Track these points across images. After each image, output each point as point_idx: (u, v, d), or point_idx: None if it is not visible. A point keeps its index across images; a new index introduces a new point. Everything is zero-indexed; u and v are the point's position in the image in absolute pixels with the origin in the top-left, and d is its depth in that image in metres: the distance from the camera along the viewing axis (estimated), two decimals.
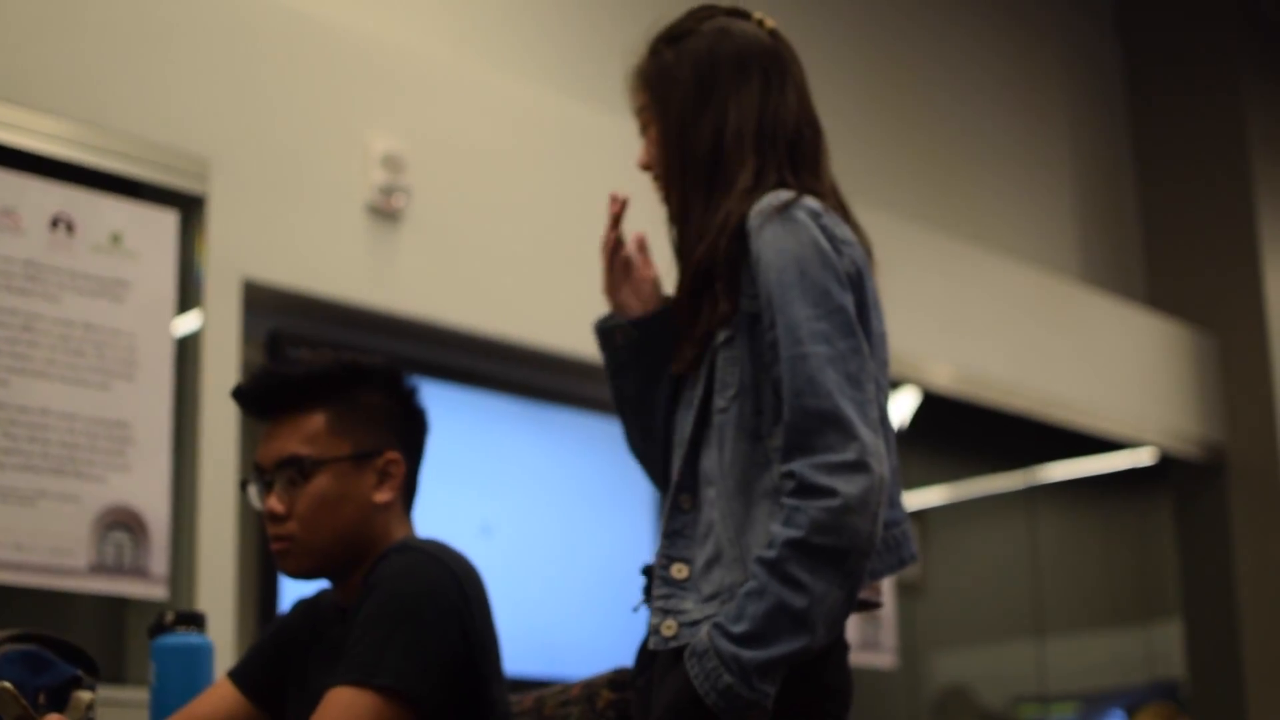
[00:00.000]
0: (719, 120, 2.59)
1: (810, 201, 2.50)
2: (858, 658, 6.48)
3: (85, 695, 2.83)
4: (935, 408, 7.32)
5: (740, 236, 2.49)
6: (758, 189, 2.54)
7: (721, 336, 2.50)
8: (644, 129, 2.70)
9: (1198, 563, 9.03)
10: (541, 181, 5.77)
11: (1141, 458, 8.77)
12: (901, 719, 7.36)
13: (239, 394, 2.94)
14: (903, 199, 7.70)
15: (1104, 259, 9.15)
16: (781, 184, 2.55)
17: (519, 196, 5.67)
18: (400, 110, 5.34)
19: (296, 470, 2.84)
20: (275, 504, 2.85)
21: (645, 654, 2.63)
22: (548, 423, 5.88)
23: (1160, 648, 9.12)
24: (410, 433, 2.97)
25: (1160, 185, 9.44)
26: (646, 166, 2.70)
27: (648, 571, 2.63)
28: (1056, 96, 9.12)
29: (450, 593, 2.74)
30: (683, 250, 2.61)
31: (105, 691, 3.30)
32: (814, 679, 2.40)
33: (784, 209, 2.46)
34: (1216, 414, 8.99)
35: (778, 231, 2.44)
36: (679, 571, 2.48)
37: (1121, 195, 9.42)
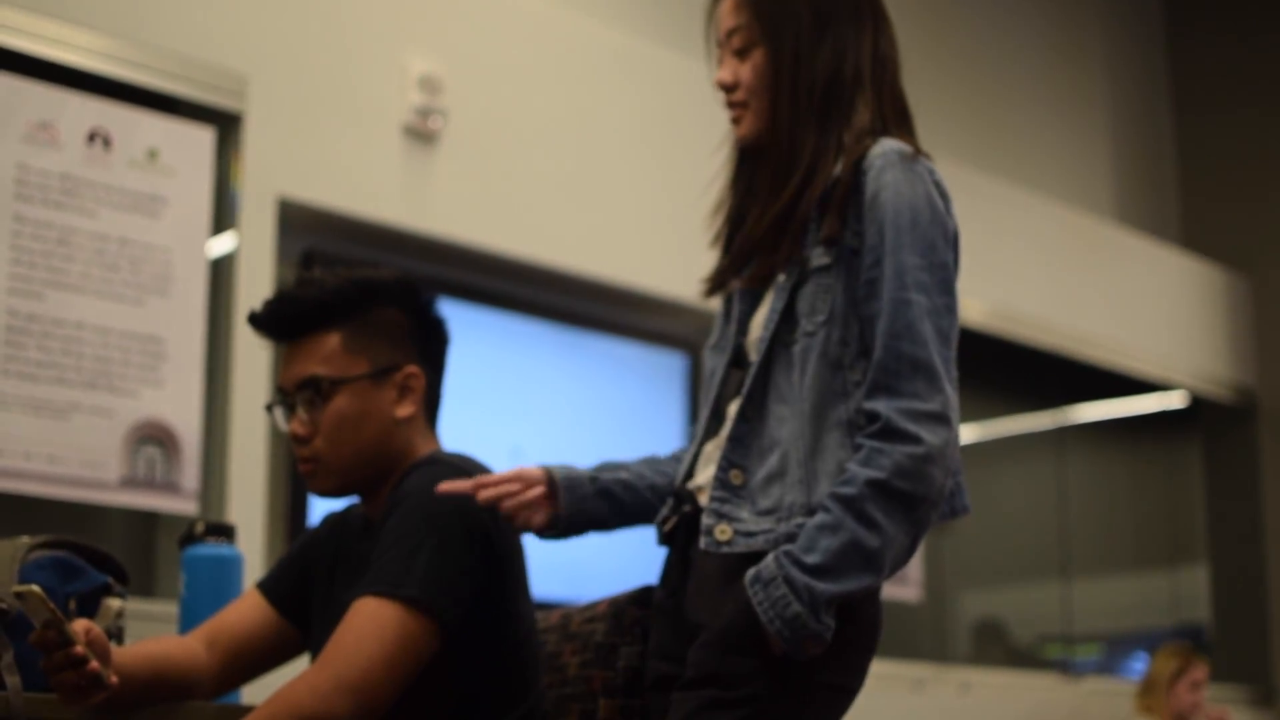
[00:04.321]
0: (838, 55, 2.59)
1: (927, 160, 2.53)
2: (885, 590, 6.49)
3: (115, 602, 2.86)
4: (967, 344, 7.23)
5: (857, 172, 2.50)
6: (879, 131, 2.56)
7: (818, 262, 2.51)
8: (740, 50, 2.65)
9: (1226, 507, 9.03)
10: (578, 107, 5.76)
11: (1172, 400, 8.76)
12: (926, 653, 7.37)
13: (254, 320, 2.94)
14: (938, 135, 7.63)
15: (1139, 199, 9.12)
16: (887, 132, 2.57)
17: (555, 121, 5.66)
18: (438, 33, 5.33)
19: (315, 391, 2.84)
20: (298, 426, 2.86)
21: (672, 564, 2.64)
22: (580, 348, 5.89)
23: (1186, 591, 9.12)
24: (429, 345, 2.96)
25: (1197, 127, 9.40)
26: (730, 86, 2.67)
27: (679, 493, 2.63)
28: (1094, 34, 9.08)
29: (476, 506, 2.75)
30: (788, 176, 2.58)
31: (134, 604, 3.33)
32: (853, 612, 2.41)
33: (908, 158, 2.50)
34: (1248, 357, 8.98)
35: (899, 177, 2.47)
36: (736, 477, 2.49)
37: (1158, 136, 9.39)
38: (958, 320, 2.50)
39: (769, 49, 2.61)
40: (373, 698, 2.58)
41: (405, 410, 2.90)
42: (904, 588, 6.71)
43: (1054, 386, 8.24)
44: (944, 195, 2.52)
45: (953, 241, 2.52)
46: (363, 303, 2.90)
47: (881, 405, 2.37)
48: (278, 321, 2.92)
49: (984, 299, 7.29)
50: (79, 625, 2.48)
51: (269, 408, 2.95)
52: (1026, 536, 8.38)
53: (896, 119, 2.63)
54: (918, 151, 2.53)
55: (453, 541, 2.70)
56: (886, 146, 2.51)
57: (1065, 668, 8.20)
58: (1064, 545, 8.22)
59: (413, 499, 2.75)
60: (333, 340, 2.86)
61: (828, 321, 2.48)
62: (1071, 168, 8.70)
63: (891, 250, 2.44)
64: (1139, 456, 9.26)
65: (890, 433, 2.35)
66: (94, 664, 2.44)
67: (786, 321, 2.52)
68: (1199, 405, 8.89)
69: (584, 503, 2.80)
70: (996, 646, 8.27)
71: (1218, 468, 9.11)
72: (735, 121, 2.67)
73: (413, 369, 2.92)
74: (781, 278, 2.54)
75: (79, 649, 2.42)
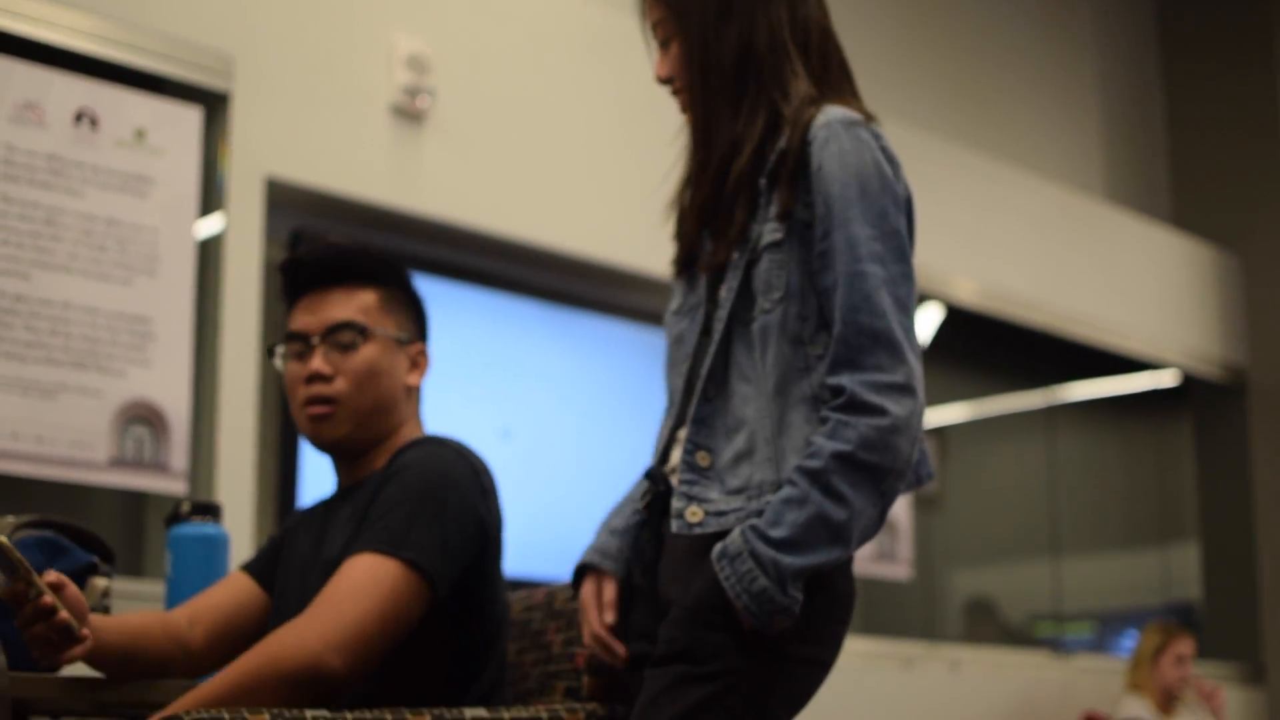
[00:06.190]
0: (746, 29, 2.57)
1: (872, 125, 2.51)
2: (875, 568, 6.51)
3: (101, 582, 2.86)
4: (958, 323, 7.32)
5: (803, 143, 2.49)
6: (818, 99, 2.54)
7: (770, 238, 2.50)
8: (663, 43, 2.68)
9: (1216, 485, 9.04)
10: (566, 85, 5.75)
11: (1163, 379, 8.77)
12: (917, 631, 7.39)
13: (296, 261, 2.98)
14: (929, 113, 7.68)
15: (1129, 177, 9.12)
16: (826, 97, 2.55)
17: (542, 100, 5.66)
18: (426, 11, 5.33)
19: (358, 333, 2.90)
20: (323, 364, 2.88)
21: (646, 543, 2.64)
22: (568, 327, 5.89)
23: (1176, 569, 9.14)
24: (425, 331, 3.04)
25: (1188, 105, 9.39)
26: (666, 80, 2.69)
27: (652, 474, 2.64)
28: (1085, 12, 9.07)
29: (472, 485, 2.82)
30: (707, 159, 2.60)
31: (122, 584, 3.34)
32: (826, 585, 2.41)
33: (851, 125, 2.47)
34: (1238, 335, 8.98)
35: (844, 146, 2.45)
36: (703, 459, 2.49)
37: (1148, 114, 9.38)
38: (915, 287, 2.46)
39: (681, 38, 2.62)
40: (364, 653, 2.59)
41: (415, 380, 3.00)
42: (894, 566, 6.72)
43: (1044, 365, 8.25)
44: (892, 160, 2.48)
45: (905, 207, 2.48)
46: (392, 274, 3.00)
47: (845, 379, 2.36)
48: (322, 265, 2.97)
49: (974, 277, 7.29)
50: (51, 577, 2.47)
51: (270, 351, 2.98)
52: (1017, 515, 8.39)
53: (835, 81, 2.61)
54: (865, 116, 2.52)
55: (450, 513, 2.75)
56: (830, 115, 2.48)
57: (1056, 646, 8.21)
58: (1054, 523, 8.23)
59: (412, 470, 2.80)
60: (369, 296, 2.95)
61: (785, 298, 2.46)
62: (1062, 145, 8.70)
63: (841, 222, 2.41)
64: (1129, 435, 9.27)
65: (855, 405, 2.34)
66: (63, 614, 2.43)
67: (743, 299, 2.51)
68: (1189, 383, 8.90)
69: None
70: (987, 625, 8.29)
71: (1208, 446, 9.12)
72: (683, 110, 2.69)
73: (422, 346, 3.03)
74: (735, 255, 2.53)
75: (47, 599, 2.41)
